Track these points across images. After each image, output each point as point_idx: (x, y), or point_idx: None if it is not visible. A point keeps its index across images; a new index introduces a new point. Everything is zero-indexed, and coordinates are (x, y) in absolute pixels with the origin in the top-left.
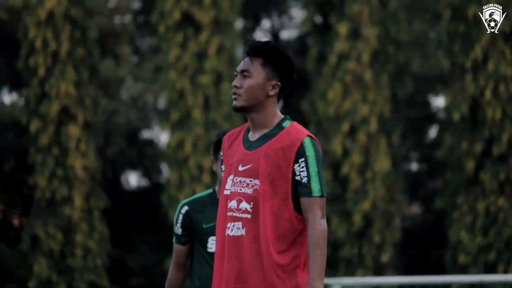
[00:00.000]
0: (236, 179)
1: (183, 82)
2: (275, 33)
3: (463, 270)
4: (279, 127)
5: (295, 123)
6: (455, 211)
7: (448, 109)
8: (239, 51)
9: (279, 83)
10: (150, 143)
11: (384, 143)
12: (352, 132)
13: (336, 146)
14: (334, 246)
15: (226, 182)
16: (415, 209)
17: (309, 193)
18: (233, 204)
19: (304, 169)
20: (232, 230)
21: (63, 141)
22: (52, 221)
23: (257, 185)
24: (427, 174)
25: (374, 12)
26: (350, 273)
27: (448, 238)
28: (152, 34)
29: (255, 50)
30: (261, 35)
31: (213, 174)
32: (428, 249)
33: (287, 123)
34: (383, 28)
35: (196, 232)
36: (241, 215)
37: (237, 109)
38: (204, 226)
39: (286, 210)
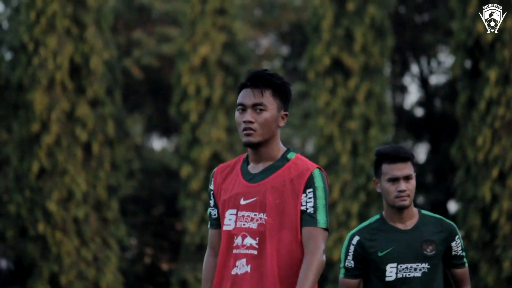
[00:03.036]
0: (239, 213)
1: (332, 128)
2: (423, 78)
3: None
4: (284, 158)
5: (299, 154)
6: None
7: None
8: (388, 96)
9: (287, 113)
10: None
11: None
12: (502, 177)
13: (486, 191)
14: None
15: (225, 217)
16: None
17: (314, 223)
18: (238, 240)
19: (312, 200)
20: (240, 268)
21: None
22: (201, 266)
23: (263, 219)
24: None
25: None
26: None
27: None
28: (301, 80)
29: (265, 82)
30: (410, 80)
31: (361, 218)
32: None
33: (292, 155)
34: None
35: (370, 262)
36: (245, 252)
37: (252, 145)
38: (380, 254)
39: (295, 243)
